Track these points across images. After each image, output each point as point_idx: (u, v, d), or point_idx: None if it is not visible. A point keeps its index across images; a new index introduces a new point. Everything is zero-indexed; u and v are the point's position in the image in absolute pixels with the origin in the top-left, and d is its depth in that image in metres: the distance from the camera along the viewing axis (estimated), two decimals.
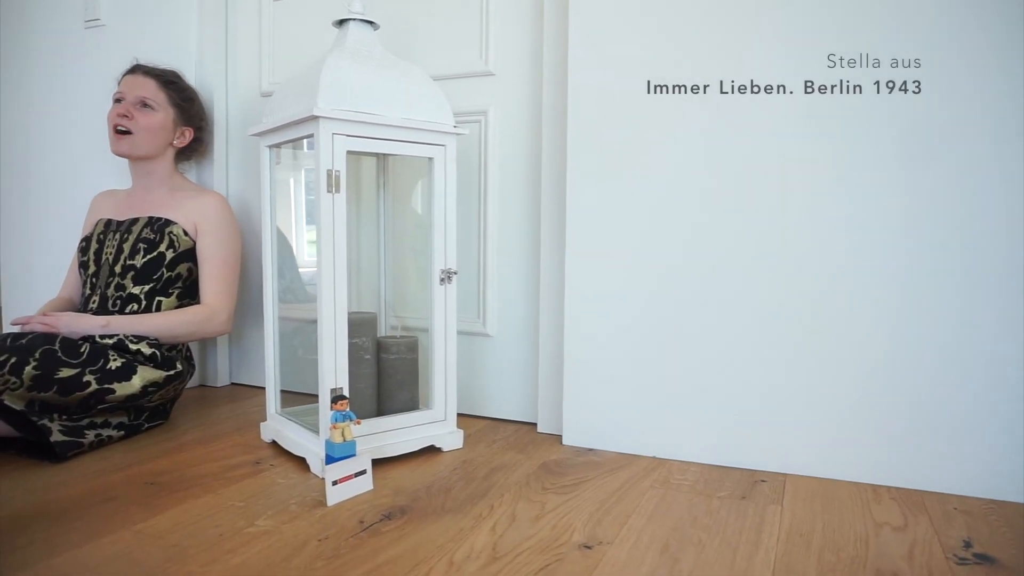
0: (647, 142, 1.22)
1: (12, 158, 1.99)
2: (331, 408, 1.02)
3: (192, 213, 1.51)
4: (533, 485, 1.08)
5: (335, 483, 0.99)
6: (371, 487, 1.05)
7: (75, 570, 0.80)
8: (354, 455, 1.03)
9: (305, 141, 1.18)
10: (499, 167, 1.43)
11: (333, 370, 1.10)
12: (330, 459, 1.03)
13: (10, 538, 0.87)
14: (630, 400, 1.24)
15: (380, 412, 1.24)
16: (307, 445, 1.15)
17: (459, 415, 1.45)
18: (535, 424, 1.42)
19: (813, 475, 1.13)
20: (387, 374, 1.23)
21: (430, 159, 1.20)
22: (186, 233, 1.50)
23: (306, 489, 1.05)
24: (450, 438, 1.24)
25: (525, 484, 1.08)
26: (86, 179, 1.79)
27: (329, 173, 1.08)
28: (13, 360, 1.17)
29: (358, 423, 1.04)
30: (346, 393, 1.11)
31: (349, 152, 1.11)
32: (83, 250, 1.53)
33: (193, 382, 1.74)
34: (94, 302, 1.47)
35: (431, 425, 1.23)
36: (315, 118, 1.06)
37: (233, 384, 1.78)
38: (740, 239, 1.17)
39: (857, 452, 1.11)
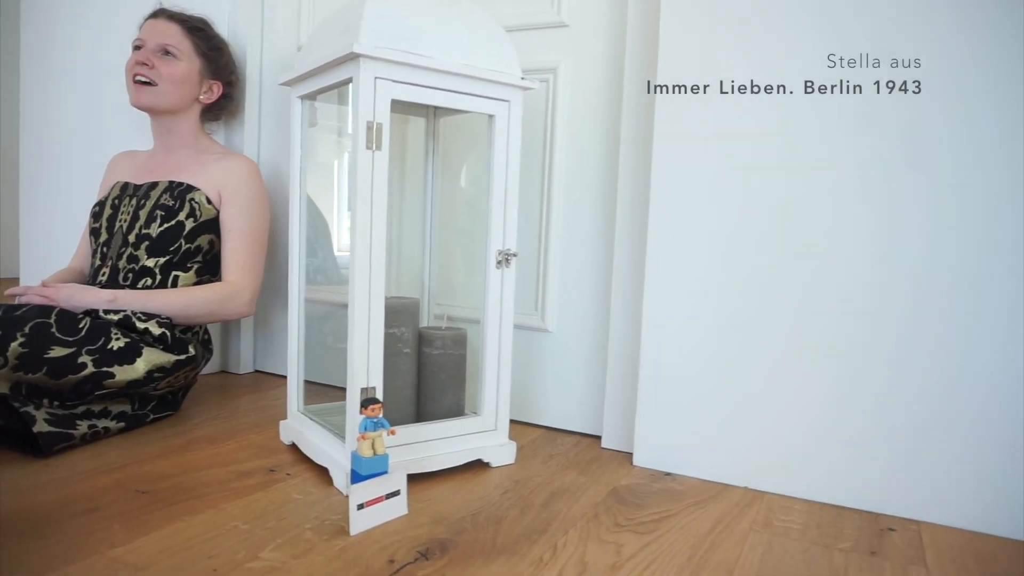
0: (750, 113, 0.99)
1: (32, 114, 1.84)
2: (360, 413, 0.83)
3: (217, 178, 1.34)
4: (604, 520, 0.87)
5: (361, 507, 0.80)
6: (405, 511, 0.85)
7: None
8: (386, 472, 0.84)
9: (349, 92, 0.99)
10: (568, 135, 1.22)
11: (365, 365, 0.91)
12: (356, 476, 0.84)
13: None
14: (720, 418, 1.02)
15: (419, 418, 1.05)
16: (331, 453, 0.96)
17: (510, 422, 1.25)
18: (599, 437, 1.21)
19: (954, 525, 0.90)
20: (429, 372, 1.04)
21: (490, 117, 1.00)
22: (209, 201, 1.32)
23: (326, 509, 0.86)
24: (500, 452, 1.04)
25: (594, 518, 0.87)
26: (111, 139, 1.63)
27: (369, 125, 0.88)
28: None
29: (392, 433, 0.84)
30: (380, 395, 0.91)
31: (395, 102, 0.91)
32: (95, 215, 1.37)
33: (213, 368, 1.57)
34: (104, 274, 1.31)
35: (479, 435, 1.03)
36: (355, 57, 0.87)
37: (257, 372, 1.61)
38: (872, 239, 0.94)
39: (1013, 501, 0.88)
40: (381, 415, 0.85)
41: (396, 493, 0.84)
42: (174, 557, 0.72)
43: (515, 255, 1.02)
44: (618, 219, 1.14)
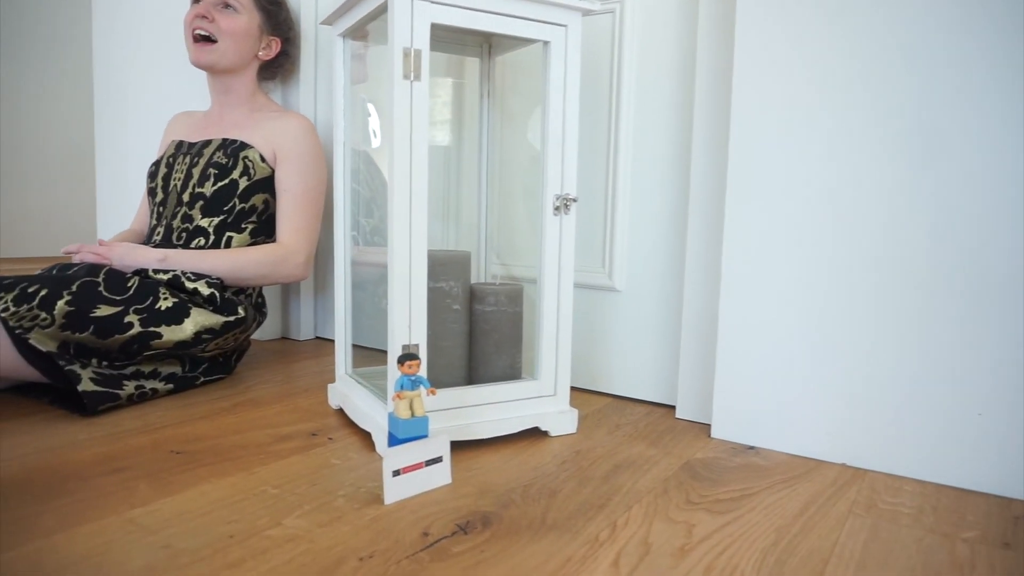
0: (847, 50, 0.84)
1: (107, 75, 1.86)
2: (397, 370, 0.74)
3: (272, 136, 1.29)
4: (674, 495, 0.76)
5: (396, 473, 0.72)
6: (448, 481, 0.77)
7: (22, 572, 0.57)
8: (425, 436, 0.75)
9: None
10: (637, 73, 1.09)
11: (406, 320, 0.82)
12: (393, 440, 0.75)
13: None
14: (813, 385, 0.89)
15: (471, 381, 0.96)
16: (375, 416, 0.88)
17: (573, 389, 1.15)
18: (672, 407, 1.09)
19: None
20: (481, 331, 0.95)
21: (545, 43, 0.89)
22: (263, 159, 1.27)
23: (364, 476, 0.78)
24: (560, 419, 0.94)
25: (662, 493, 0.76)
26: (178, 100, 1.62)
27: (406, 52, 0.79)
28: (44, 292, 0.98)
29: (432, 393, 0.75)
30: (423, 354, 0.83)
31: (435, 27, 0.82)
32: (151, 175, 1.35)
33: (273, 334, 1.54)
34: (158, 234, 1.28)
35: (536, 401, 0.93)
36: None
37: (318, 338, 1.57)
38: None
39: None
40: (421, 373, 0.76)
41: (438, 460, 0.76)
42: (192, 521, 0.66)
43: (575, 200, 0.91)
44: (693, 165, 1.01)
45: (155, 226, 1.30)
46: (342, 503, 0.71)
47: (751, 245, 0.92)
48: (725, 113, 0.97)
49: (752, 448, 0.92)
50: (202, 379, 1.14)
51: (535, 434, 0.94)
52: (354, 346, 1.05)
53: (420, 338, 0.83)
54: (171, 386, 1.08)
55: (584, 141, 1.14)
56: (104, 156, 1.87)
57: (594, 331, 1.15)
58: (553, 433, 0.94)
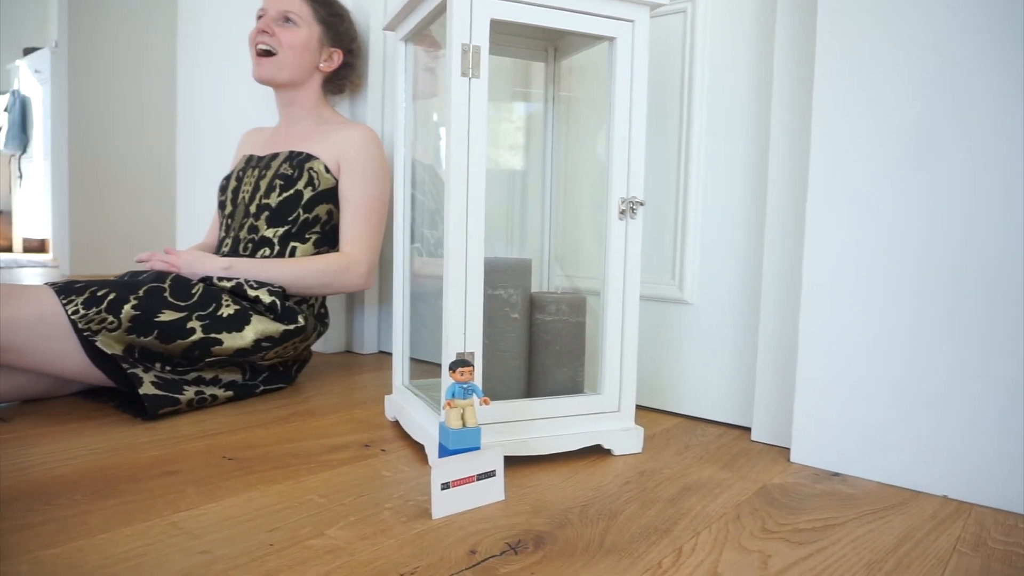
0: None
1: (189, 91, 1.93)
2: (449, 376, 0.71)
3: (336, 147, 1.29)
4: (748, 522, 0.69)
5: (446, 487, 0.67)
6: (501, 497, 0.72)
7: (62, 569, 0.55)
8: (477, 448, 0.71)
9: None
10: (709, 74, 1.04)
11: (461, 327, 0.79)
12: (443, 451, 0.72)
13: (31, 511, 0.66)
14: (907, 408, 0.80)
15: (529, 394, 0.91)
16: (428, 428, 0.85)
17: (639, 408, 1.09)
18: (747, 429, 1.01)
19: None
20: (542, 342, 0.90)
21: (611, 41, 0.85)
22: (328, 170, 1.28)
23: (413, 489, 0.74)
24: (624, 438, 0.88)
25: (735, 519, 0.69)
26: (250, 115, 1.66)
27: (465, 48, 0.77)
28: (112, 296, 1.00)
29: (485, 403, 0.71)
30: (478, 362, 0.79)
31: (499, 27, 0.79)
32: (222, 189, 1.37)
33: (337, 347, 1.54)
34: (227, 245, 1.30)
35: (599, 417, 0.87)
36: None
37: (381, 352, 1.56)
38: None
39: None
40: (475, 382, 0.73)
41: (491, 475, 0.71)
42: (235, 527, 0.64)
43: (641, 203, 0.86)
44: (771, 170, 0.94)
45: (223, 238, 1.32)
46: (388, 516, 0.67)
47: (835, 253, 0.84)
48: (805, 117, 0.90)
49: (837, 475, 0.84)
50: (262, 388, 1.14)
51: (597, 452, 0.88)
52: (413, 360, 1.02)
53: (476, 346, 0.80)
54: (231, 393, 1.08)
55: (653, 145, 1.09)
56: (184, 174, 1.94)
57: (662, 346, 1.09)
58: (616, 452, 0.88)
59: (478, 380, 0.79)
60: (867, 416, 0.82)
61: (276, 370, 1.17)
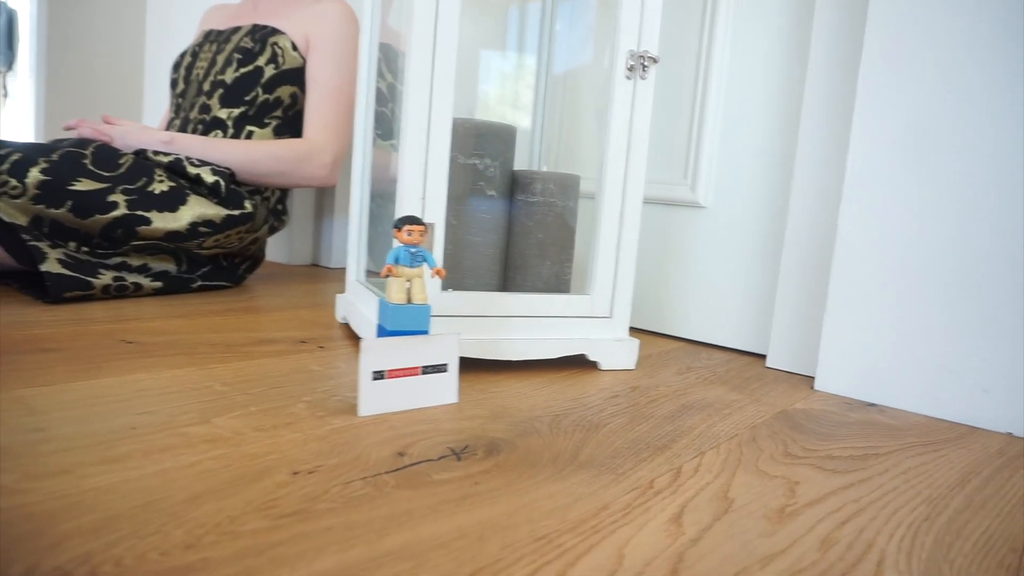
0: None
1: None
2: (394, 237, 0.55)
3: (306, 23, 1.12)
4: (766, 445, 0.53)
5: (379, 376, 0.52)
6: (453, 399, 0.57)
7: None
8: (425, 332, 0.55)
9: None
10: None
11: (419, 190, 0.63)
12: (382, 332, 0.56)
13: None
14: (966, 333, 0.64)
15: (504, 289, 0.76)
16: (372, 319, 0.69)
17: (634, 331, 0.94)
18: (762, 357, 0.86)
19: None
20: (522, 228, 0.74)
21: None
22: (295, 47, 1.10)
23: (343, 385, 0.59)
24: (615, 350, 0.73)
25: (749, 441, 0.54)
26: None
27: None
28: (17, 157, 0.83)
29: (438, 274, 0.55)
30: (437, 239, 0.63)
31: None
32: (175, 66, 1.20)
33: (302, 259, 1.38)
34: (174, 128, 1.13)
35: (586, 323, 0.72)
36: None
37: None
38: None
39: None
40: (425, 245, 0.57)
41: (441, 369, 0.56)
42: (94, 407, 0.48)
43: (655, 60, 0.69)
44: (814, 43, 0.77)
45: (172, 119, 1.15)
46: (301, 409, 0.52)
47: (889, 137, 0.68)
48: None
49: (873, 405, 0.68)
50: (200, 283, 0.98)
51: (581, 365, 0.73)
52: (371, 274, 0.86)
53: (437, 217, 0.63)
54: (159, 284, 0.92)
55: (669, 14, 0.91)
56: (152, 59, 1.76)
57: (666, 259, 0.93)
58: (603, 366, 0.72)
59: (435, 252, 0.63)
60: (912, 339, 0.67)
61: (219, 265, 1.01)
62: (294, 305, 0.94)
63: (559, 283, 0.75)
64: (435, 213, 0.63)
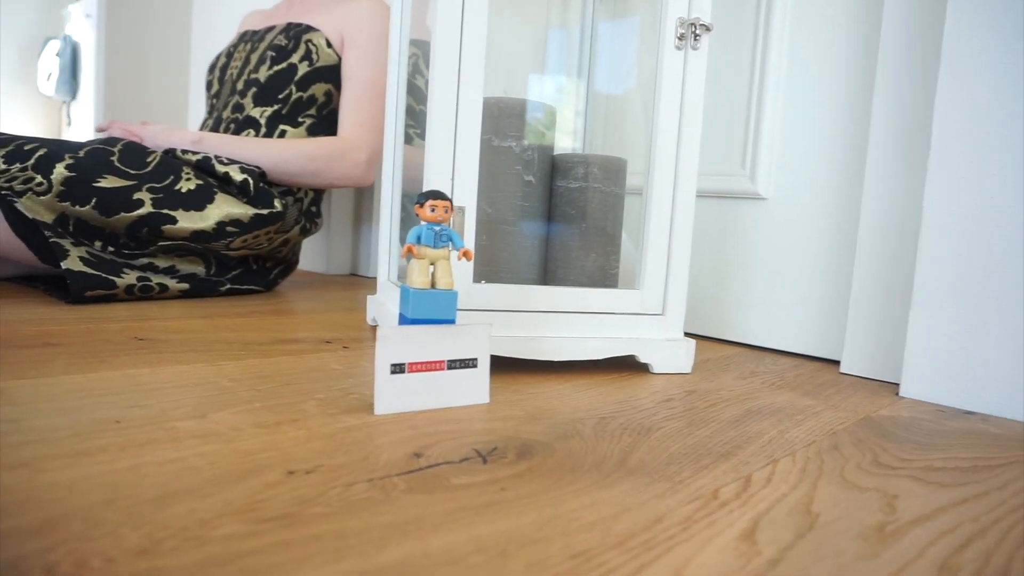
0: None
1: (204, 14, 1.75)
2: (416, 213, 0.49)
3: (341, 19, 1.09)
4: (851, 453, 0.45)
5: (397, 370, 0.46)
6: (484, 399, 0.50)
7: None
8: (451, 321, 0.49)
9: None
10: None
11: (448, 170, 0.57)
12: (403, 321, 0.50)
13: None
14: None
15: (545, 283, 0.69)
16: (395, 311, 0.63)
17: (689, 335, 0.86)
18: (835, 363, 0.77)
19: None
20: (564, 216, 0.67)
21: None
22: (330, 44, 1.07)
23: (365, 384, 0.53)
24: (668, 351, 0.65)
25: (831, 450, 0.46)
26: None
27: None
28: (43, 152, 0.81)
29: (464, 255, 0.49)
30: (468, 223, 0.57)
31: None
32: (211, 68, 1.18)
33: (341, 268, 1.34)
34: (207, 128, 1.11)
35: (635, 320, 0.64)
36: None
37: None
38: None
39: None
40: (451, 225, 0.51)
41: (470, 364, 0.49)
42: (80, 400, 0.43)
43: (708, 28, 0.62)
44: (886, 15, 0.69)
45: (206, 120, 1.13)
46: (312, 407, 0.46)
47: (982, 98, 0.59)
48: None
49: (972, 413, 0.59)
50: (229, 286, 0.94)
51: (630, 368, 0.66)
52: None
53: (468, 201, 0.57)
54: (186, 286, 0.89)
55: None
56: (196, 82, 1.77)
57: (723, 257, 0.85)
58: (656, 368, 0.65)
59: (465, 235, 0.57)
60: (1017, 340, 0.57)
61: (249, 268, 0.97)
62: (325, 309, 0.89)
63: (605, 277, 0.68)
64: (466, 196, 0.57)
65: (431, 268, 0.48)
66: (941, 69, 0.61)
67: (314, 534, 0.28)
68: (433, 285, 0.48)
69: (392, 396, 0.46)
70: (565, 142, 0.87)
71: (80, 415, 0.40)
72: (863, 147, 0.74)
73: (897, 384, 0.68)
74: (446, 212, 0.48)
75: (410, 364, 0.46)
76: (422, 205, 0.48)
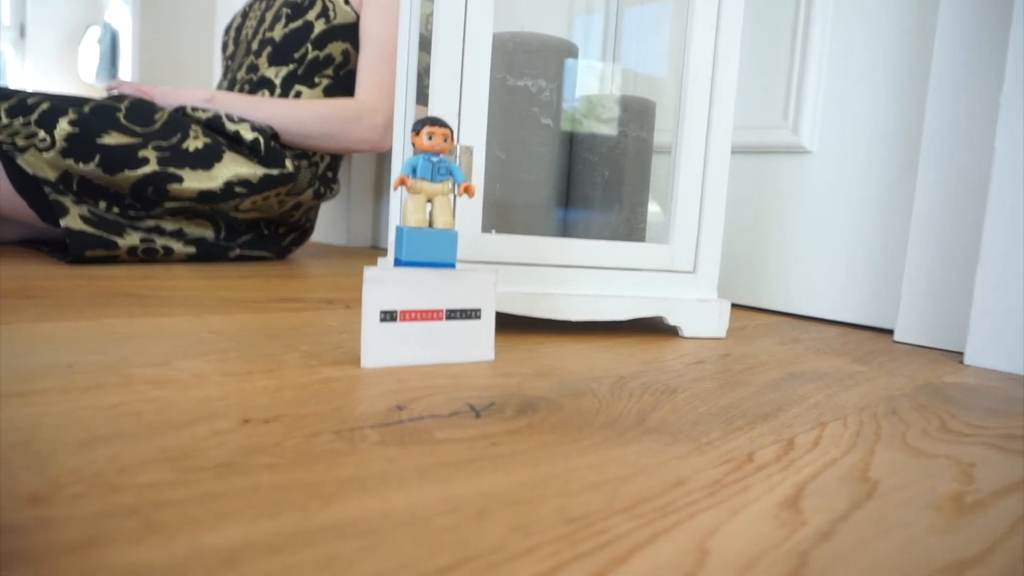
0: None
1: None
2: (412, 141, 0.43)
3: None
4: (913, 420, 0.38)
5: (388, 318, 0.41)
6: (490, 355, 0.45)
7: None
8: (451, 265, 0.43)
9: None
10: None
11: (455, 106, 0.51)
12: (397, 264, 0.44)
13: None
14: None
15: (564, 235, 0.63)
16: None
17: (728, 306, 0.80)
18: (887, 332, 0.70)
19: None
20: (585, 164, 0.61)
21: None
22: (347, 1, 1.02)
23: (355, 339, 0.48)
24: (700, 312, 0.59)
25: (889, 414, 0.39)
26: None
27: None
28: (46, 107, 0.78)
29: (466, 191, 0.43)
30: (478, 167, 0.51)
31: None
32: (226, 29, 1.14)
33: (362, 241, 1.30)
34: (222, 89, 1.07)
35: (663, 278, 0.58)
36: None
37: None
38: None
39: None
40: (451, 157, 0.45)
41: (472, 315, 0.44)
42: (35, 345, 0.39)
43: None
44: None
45: (220, 83, 1.09)
46: (293, 358, 0.41)
47: None
48: None
49: None
50: (239, 251, 0.90)
51: (657, 331, 0.60)
52: None
53: (477, 141, 0.52)
54: (192, 250, 0.85)
55: None
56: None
57: (764, 217, 0.78)
58: (685, 332, 0.59)
59: (477, 201, 0.51)
60: None
61: (261, 234, 0.93)
62: (334, 273, 0.85)
63: (631, 231, 0.61)
64: (474, 135, 0.52)
65: (428, 205, 0.43)
66: None
67: (252, 485, 0.23)
68: (431, 224, 0.43)
69: (381, 347, 0.40)
70: (589, 83, 0.81)
71: (31, 359, 0.36)
72: (921, 92, 0.66)
73: (959, 353, 0.60)
74: (445, 141, 0.42)
75: (403, 312, 0.41)
76: (418, 132, 0.42)
